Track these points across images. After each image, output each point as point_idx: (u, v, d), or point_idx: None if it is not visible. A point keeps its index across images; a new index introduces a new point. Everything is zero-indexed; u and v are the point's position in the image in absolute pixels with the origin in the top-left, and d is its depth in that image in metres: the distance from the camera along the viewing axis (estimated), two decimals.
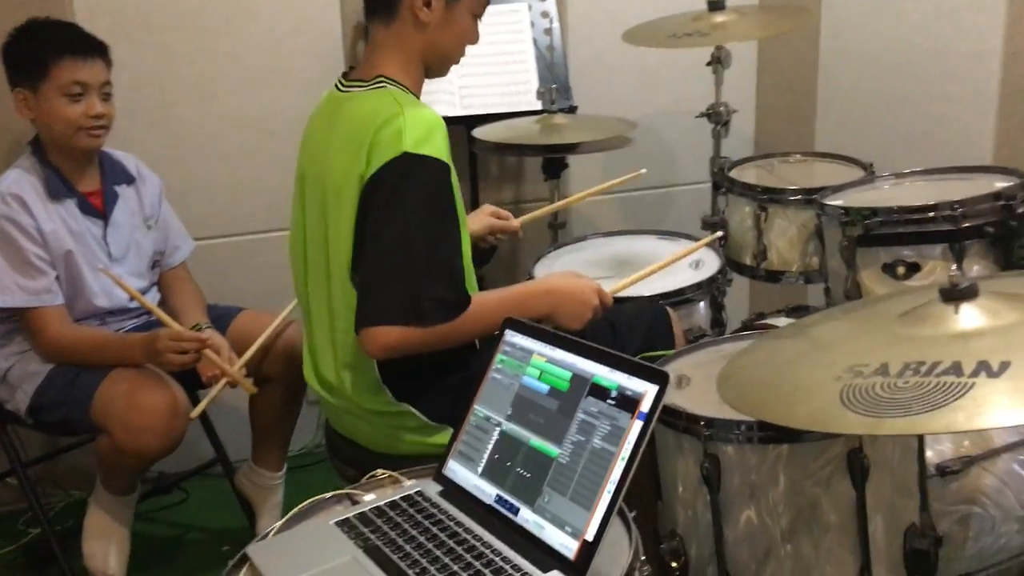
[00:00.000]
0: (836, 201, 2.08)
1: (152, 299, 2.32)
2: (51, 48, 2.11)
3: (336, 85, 1.74)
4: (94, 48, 2.15)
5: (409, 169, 1.56)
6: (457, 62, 1.76)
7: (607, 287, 1.81)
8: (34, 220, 2.09)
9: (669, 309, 2.01)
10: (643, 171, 2.36)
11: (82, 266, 2.16)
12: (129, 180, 2.30)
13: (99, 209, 2.22)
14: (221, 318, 2.32)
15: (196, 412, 2.10)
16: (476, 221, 2.11)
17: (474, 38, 1.75)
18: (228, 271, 2.74)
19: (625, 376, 1.24)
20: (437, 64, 1.74)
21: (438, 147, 1.58)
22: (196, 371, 2.10)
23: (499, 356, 1.45)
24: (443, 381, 1.69)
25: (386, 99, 1.62)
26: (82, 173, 2.21)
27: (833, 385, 1.19)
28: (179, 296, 2.36)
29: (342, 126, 1.65)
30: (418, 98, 1.70)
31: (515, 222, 2.18)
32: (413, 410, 1.68)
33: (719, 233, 2.33)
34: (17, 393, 2.14)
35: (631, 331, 1.88)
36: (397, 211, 1.56)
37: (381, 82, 1.66)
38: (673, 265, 2.24)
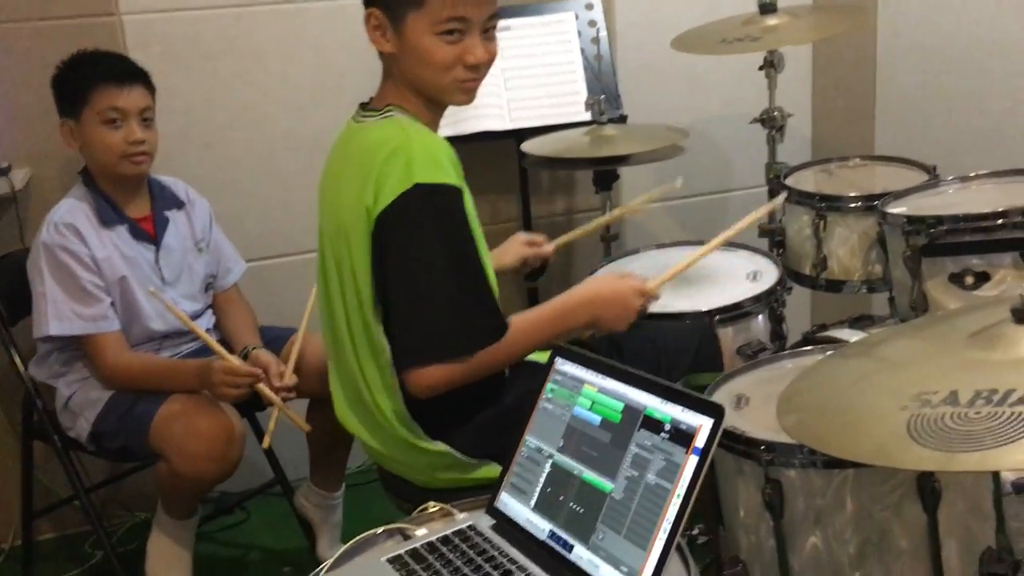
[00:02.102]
0: (899, 208, 2.00)
1: (206, 321, 2.35)
2: (89, 77, 2.13)
3: (354, 116, 1.70)
4: (131, 74, 2.17)
5: (424, 200, 1.51)
6: (448, 85, 1.59)
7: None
8: (87, 248, 2.12)
9: (719, 331, 1.94)
10: (679, 183, 2.24)
11: (136, 291, 2.18)
12: (179, 205, 2.32)
13: (150, 234, 2.24)
14: (276, 340, 2.32)
15: (265, 443, 2.14)
16: (509, 253, 2.06)
17: (443, 55, 1.55)
18: (282, 292, 2.75)
19: (679, 408, 1.20)
20: (426, 91, 1.62)
21: (447, 172, 1.54)
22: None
23: (549, 385, 1.41)
24: (477, 416, 1.65)
25: (393, 129, 1.57)
26: (132, 199, 2.23)
27: (899, 415, 1.14)
28: (232, 318, 2.38)
29: (353, 158, 1.61)
30: (434, 126, 1.65)
31: (548, 247, 2.12)
32: (448, 448, 1.64)
33: (784, 195, 2.25)
34: (79, 420, 2.17)
35: (677, 354, 1.83)
36: (419, 245, 1.52)
37: (390, 111, 1.62)
38: (730, 278, 2.20)
